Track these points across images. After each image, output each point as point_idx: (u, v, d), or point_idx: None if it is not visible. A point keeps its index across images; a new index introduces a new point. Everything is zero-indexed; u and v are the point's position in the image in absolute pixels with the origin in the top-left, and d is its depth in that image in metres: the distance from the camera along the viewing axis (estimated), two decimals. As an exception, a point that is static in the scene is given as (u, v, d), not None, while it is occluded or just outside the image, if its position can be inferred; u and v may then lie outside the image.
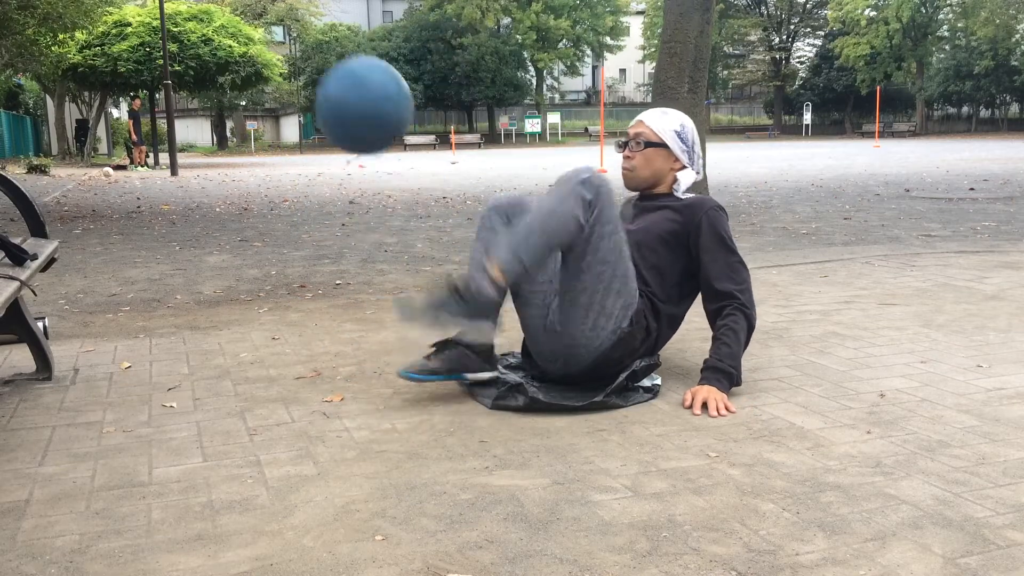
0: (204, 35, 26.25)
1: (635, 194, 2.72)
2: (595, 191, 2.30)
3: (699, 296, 2.59)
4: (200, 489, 1.86)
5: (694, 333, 3.22)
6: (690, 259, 2.53)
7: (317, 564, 1.51)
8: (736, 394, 2.44)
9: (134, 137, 25.01)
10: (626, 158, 2.61)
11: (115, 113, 43.89)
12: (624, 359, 2.42)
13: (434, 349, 2.43)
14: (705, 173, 8.17)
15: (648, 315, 2.46)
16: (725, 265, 2.47)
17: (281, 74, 31.09)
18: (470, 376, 2.44)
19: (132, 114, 25.66)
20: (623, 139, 2.66)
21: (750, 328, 2.46)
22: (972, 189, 10.42)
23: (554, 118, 49.17)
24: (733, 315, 2.44)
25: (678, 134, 2.56)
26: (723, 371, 2.38)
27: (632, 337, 2.41)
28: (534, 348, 2.51)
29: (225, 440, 2.16)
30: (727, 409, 2.30)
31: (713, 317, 2.50)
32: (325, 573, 1.49)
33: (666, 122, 2.57)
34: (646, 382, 2.48)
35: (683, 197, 2.58)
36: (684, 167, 2.59)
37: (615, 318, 2.37)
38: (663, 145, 2.56)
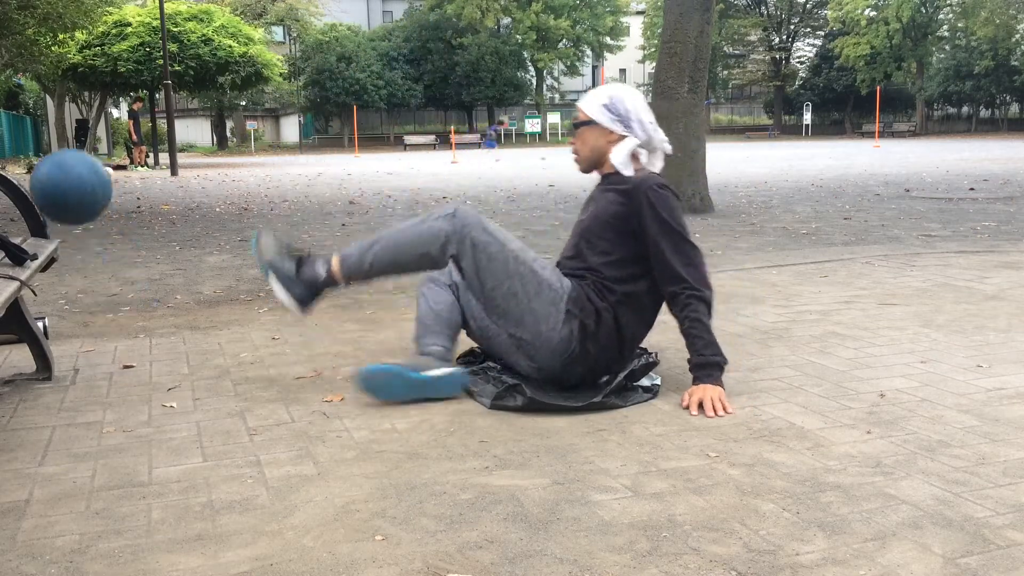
0: (204, 35, 26.24)
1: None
2: (456, 230, 2.41)
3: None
4: (200, 489, 1.86)
5: (694, 333, 3.21)
6: (637, 241, 2.46)
7: (317, 564, 1.51)
8: (736, 394, 2.44)
9: (134, 137, 25.01)
10: (571, 143, 2.63)
11: (115, 113, 43.89)
12: (592, 349, 2.40)
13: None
14: (704, 167, 8.19)
15: (594, 298, 2.42)
16: (671, 245, 2.40)
17: (281, 74, 31.09)
18: (278, 289, 2.52)
19: (132, 114, 25.64)
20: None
21: (709, 308, 2.42)
22: (972, 189, 10.42)
23: (554, 118, 49.14)
24: (690, 303, 2.39)
25: (606, 106, 2.50)
26: (711, 363, 2.38)
27: (583, 326, 2.39)
28: (519, 370, 2.52)
29: (225, 440, 2.16)
30: (724, 409, 2.30)
31: (670, 301, 2.45)
32: (325, 573, 1.49)
33: (594, 98, 2.53)
34: (645, 382, 2.48)
35: (629, 175, 2.49)
36: (620, 138, 2.51)
37: (551, 316, 2.39)
38: (591, 122, 2.53)
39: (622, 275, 2.46)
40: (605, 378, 2.46)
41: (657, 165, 2.57)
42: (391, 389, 2.40)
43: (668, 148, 2.57)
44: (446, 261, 2.47)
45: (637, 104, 2.51)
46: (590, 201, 2.60)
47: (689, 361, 2.42)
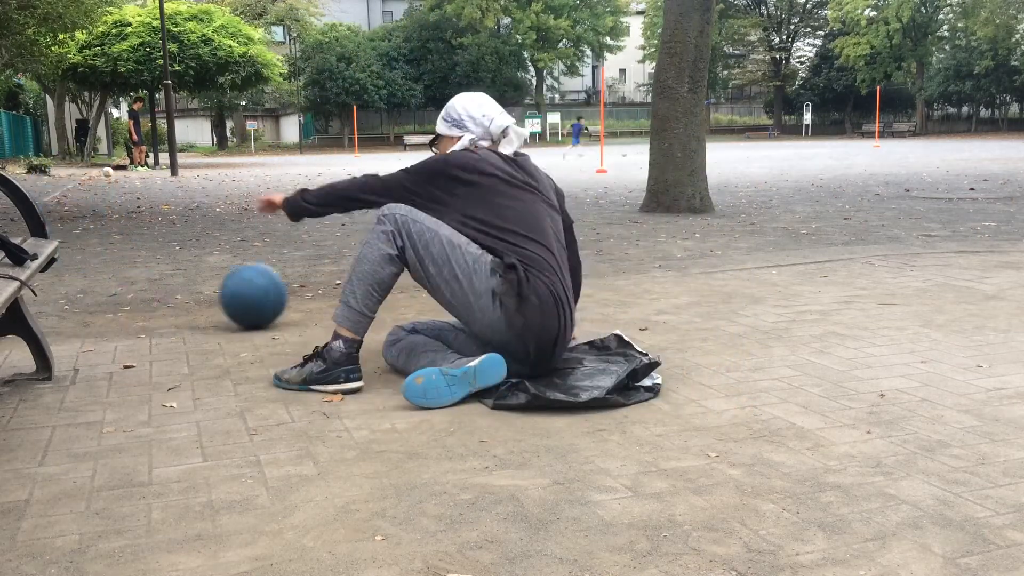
0: (204, 35, 26.24)
1: None
2: (392, 221, 2.55)
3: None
4: (200, 489, 1.86)
5: (694, 333, 3.22)
6: (463, 204, 2.61)
7: (317, 564, 1.51)
8: (736, 394, 2.45)
9: (134, 137, 24.99)
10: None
11: (115, 113, 43.88)
12: (532, 298, 2.44)
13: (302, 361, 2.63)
14: (704, 167, 8.19)
15: (497, 253, 2.53)
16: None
17: (281, 74, 31.08)
18: (331, 388, 2.55)
19: (132, 114, 25.62)
20: None
21: (351, 184, 2.71)
22: (972, 189, 10.42)
23: (554, 118, 49.15)
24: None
25: (443, 118, 2.79)
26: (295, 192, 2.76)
27: (510, 282, 2.45)
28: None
29: (225, 440, 2.16)
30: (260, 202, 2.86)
31: None
32: (325, 573, 1.49)
33: (441, 115, 2.82)
34: (647, 382, 2.49)
35: None
36: (457, 139, 2.74)
37: (487, 290, 2.47)
38: (438, 136, 2.80)
39: (483, 233, 2.58)
40: (578, 343, 2.70)
41: (509, 149, 2.71)
42: (438, 390, 2.39)
43: (520, 131, 2.74)
44: (402, 254, 2.56)
45: (467, 104, 2.75)
46: None
47: None
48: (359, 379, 2.56)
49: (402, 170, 2.68)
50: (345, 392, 2.54)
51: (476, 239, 2.54)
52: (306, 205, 2.74)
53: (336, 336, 2.58)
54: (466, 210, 2.57)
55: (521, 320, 2.45)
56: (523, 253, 2.52)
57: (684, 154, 8.10)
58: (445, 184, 2.60)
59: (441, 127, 2.79)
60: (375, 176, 2.72)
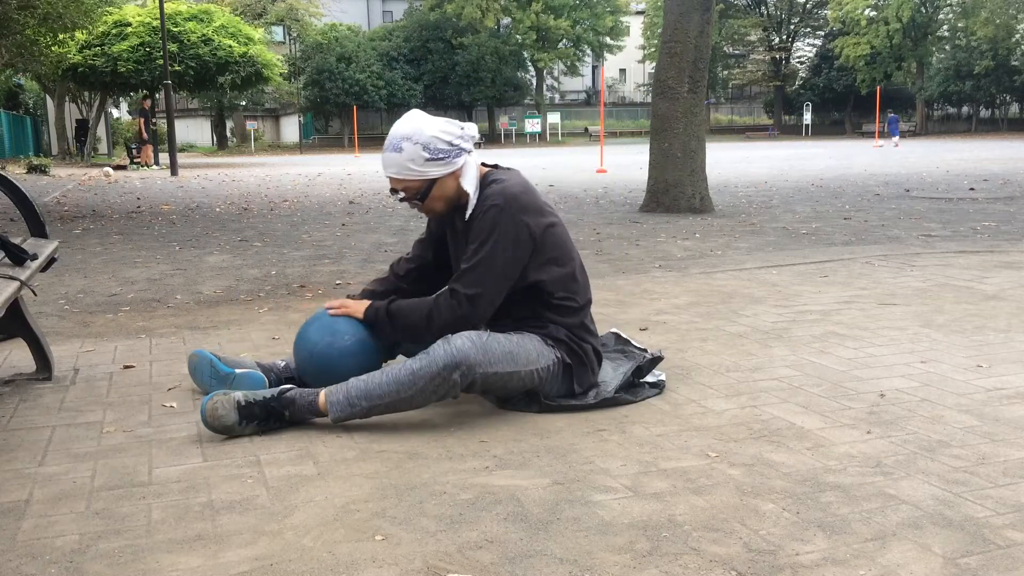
0: (204, 35, 26.25)
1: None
2: (468, 374, 2.17)
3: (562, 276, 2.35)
4: (200, 489, 1.86)
5: (694, 334, 3.22)
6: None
7: (317, 564, 1.51)
8: (736, 394, 2.45)
9: (144, 135, 24.96)
10: (416, 208, 2.36)
11: (115, 113, 43.87)
12: (573, 361, 2.36)
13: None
14: (704, 167, 8.19)
15: (554, 334, 2.34)
16: (473, 260, 2.24)
17: (281, 74, 31.09)
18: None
19: (143, 112, 25.58)
20: (395, 192, 2.35)
21: (432, 316, 2.26)
22: (972, 189, 10.42)
23: (554, 118, 49.14)
24: (440, 297, 2.28)
25: (429, 157, 2.25)
26: (380, 307, 2.33)
27: (566, 358, 2.34)
28: None
29: (225, 440, 2.16)
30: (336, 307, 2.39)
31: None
32: (325, 573, 1.49)
33: (413, 160, 2.25)
34: (650, 378, 2.51)
35: (477, 200, 2.32)
36: (461, 167, 2.31)
37: (548, 376, 2.32)
38: (434, 180, 2.29)
39: (543, 307, 2.35)
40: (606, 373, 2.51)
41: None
42: (200, 374, 2.48)
43: (476, 142, 2.41)
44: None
45: (436, 124, 2.27)
46: (457, 245, 2.40)
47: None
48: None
49: (493, 249, 2.23)
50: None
51: (554, 308, 2.33)
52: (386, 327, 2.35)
53: (317, 412, 2.21)
54: (542, 273, 2.29)
55: (573, 385, 2.38)
56: (586, 314, 2.40)
57: (684, 154, 8.11)
58: (528, 250, 2.28)
59: (432, 168, 2.25)
60: (485, 286, 2.24)
